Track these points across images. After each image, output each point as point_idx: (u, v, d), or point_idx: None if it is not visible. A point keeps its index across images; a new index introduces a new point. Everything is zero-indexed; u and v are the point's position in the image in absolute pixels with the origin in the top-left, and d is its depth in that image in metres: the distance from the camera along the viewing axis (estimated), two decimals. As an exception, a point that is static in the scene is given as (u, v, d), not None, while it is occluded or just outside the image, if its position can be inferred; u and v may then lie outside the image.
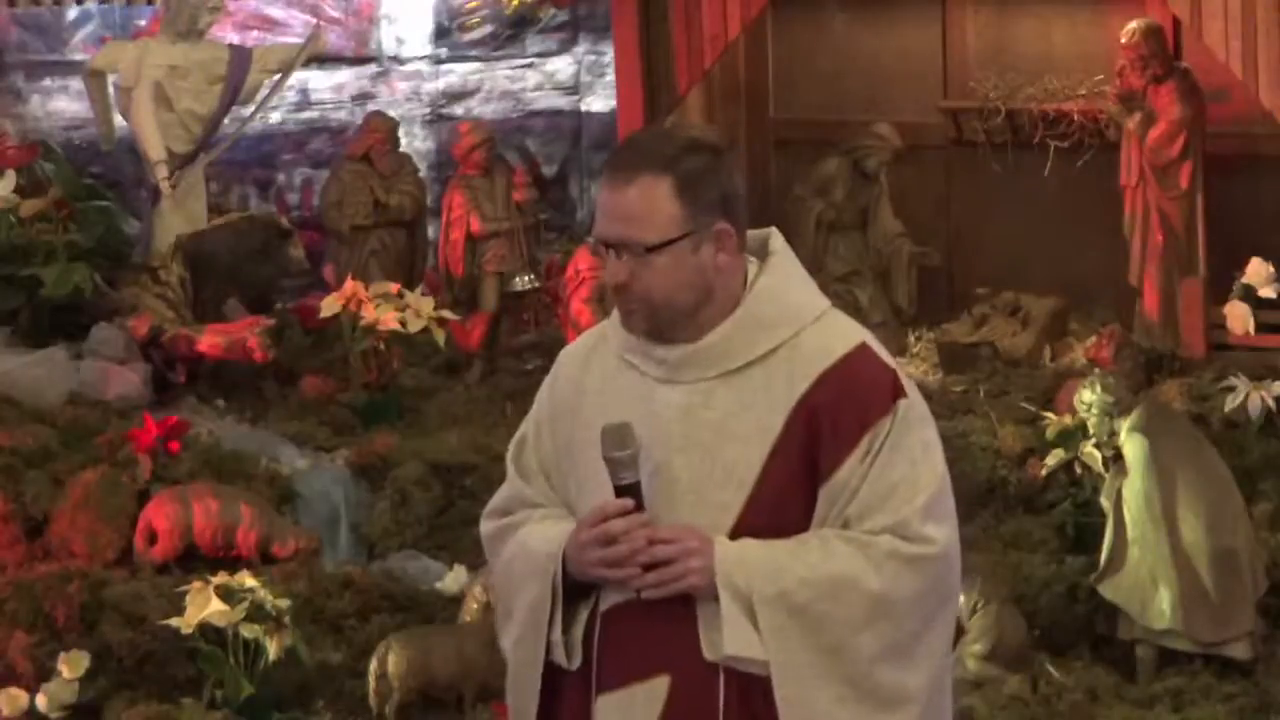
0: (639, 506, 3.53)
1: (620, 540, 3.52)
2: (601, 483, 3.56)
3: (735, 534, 3.54)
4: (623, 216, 3.53)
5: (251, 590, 6.32)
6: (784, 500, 3.57)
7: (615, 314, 3.67)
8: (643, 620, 3.55)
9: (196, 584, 6.35)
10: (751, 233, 3.66)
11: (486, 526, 3.74)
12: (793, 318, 3.62)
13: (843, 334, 3.64)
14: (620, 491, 3.53)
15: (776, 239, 3.69)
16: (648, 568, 3.52)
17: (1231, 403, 7.92)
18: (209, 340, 8.37)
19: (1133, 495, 6.67)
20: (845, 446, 3.55)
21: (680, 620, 3.55)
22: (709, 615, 3.54)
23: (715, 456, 3.56)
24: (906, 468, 3.57)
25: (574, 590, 3.59)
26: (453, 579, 7.09)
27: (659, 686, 3.55)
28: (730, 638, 3.52)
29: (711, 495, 3.55)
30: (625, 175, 3.54)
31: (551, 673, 3.62)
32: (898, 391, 3.59)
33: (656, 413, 3.58)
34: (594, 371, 3.67)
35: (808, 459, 3.56)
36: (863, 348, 3.62)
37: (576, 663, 3.59)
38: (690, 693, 3.55)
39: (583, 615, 3.59)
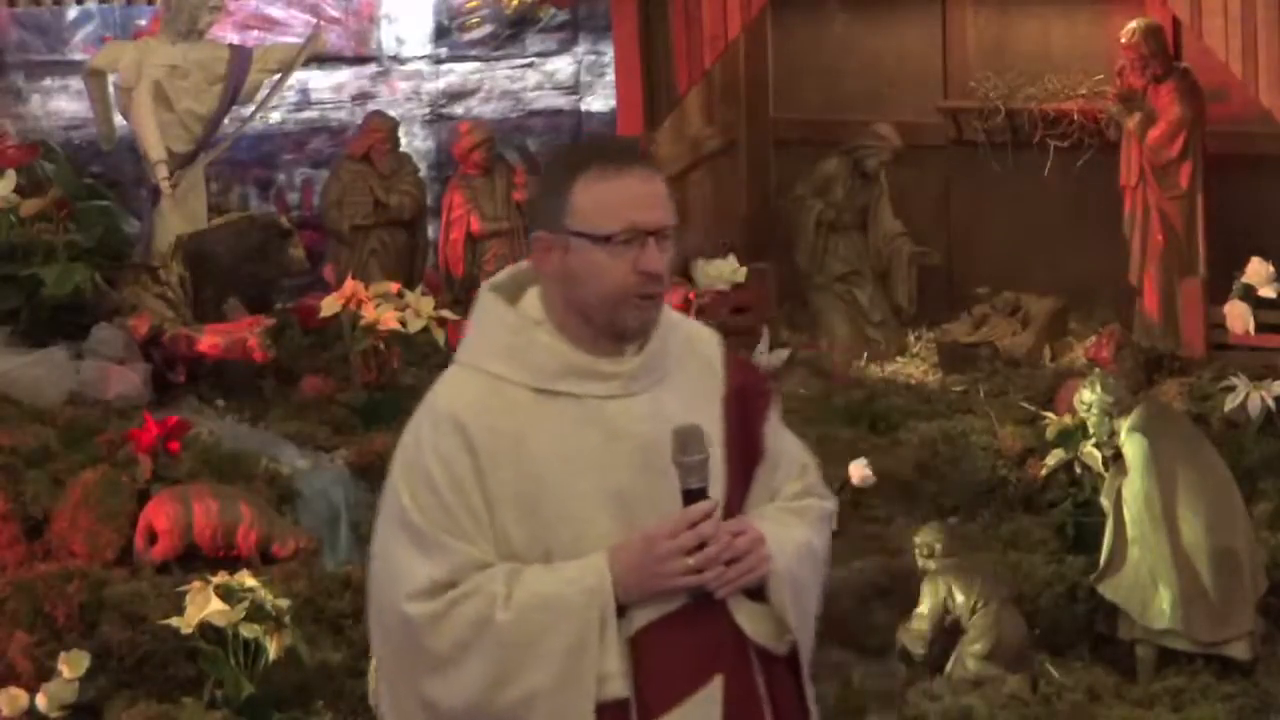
0: None
1: (709, 542, 3.50)
2: (587, 517, 3.50)
3: None
4: (664, 203, 3.55)
5: (251, 590, 6.31)
6: (740, 486, 3.66)
7: (501, 352, 3.56)
8: (683, 628, 3.53)
9: (196, 584, 6.34)
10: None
11: (426, 607, 3.46)
12: (672, 313, 3.70)
13: (703, 326, 3.82)
14: (690, 496, 3.51)
15: None
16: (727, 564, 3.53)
17: (1231, 403, 7.93)
18: (209, 340, 8.37)
19: (1133, 495, 6.67)
20: (762, 423, 3.70)
21: (720, 616, 3.57)
22: (742, 605, 3.59)
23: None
24: (792, 440, 3.80)
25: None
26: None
27: (715, 689, 3.56)
28: (786, 618, 3.62)
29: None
30: (645, 165, 3.55)
31: None
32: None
33: (622, 429, 3.54)
34: (510, 416, 3.53)
35: (744, 442, 3.66)
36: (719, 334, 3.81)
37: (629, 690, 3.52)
38: (740, 685, 3.59)
39: (619, 643, 3.52)
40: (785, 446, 3.77)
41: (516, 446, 3.51)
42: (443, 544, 3.48)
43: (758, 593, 3.61)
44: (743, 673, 3.60)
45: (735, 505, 3.64)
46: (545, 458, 3.51)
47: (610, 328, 3.56)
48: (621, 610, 3.50)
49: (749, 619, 3.61)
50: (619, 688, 3.50)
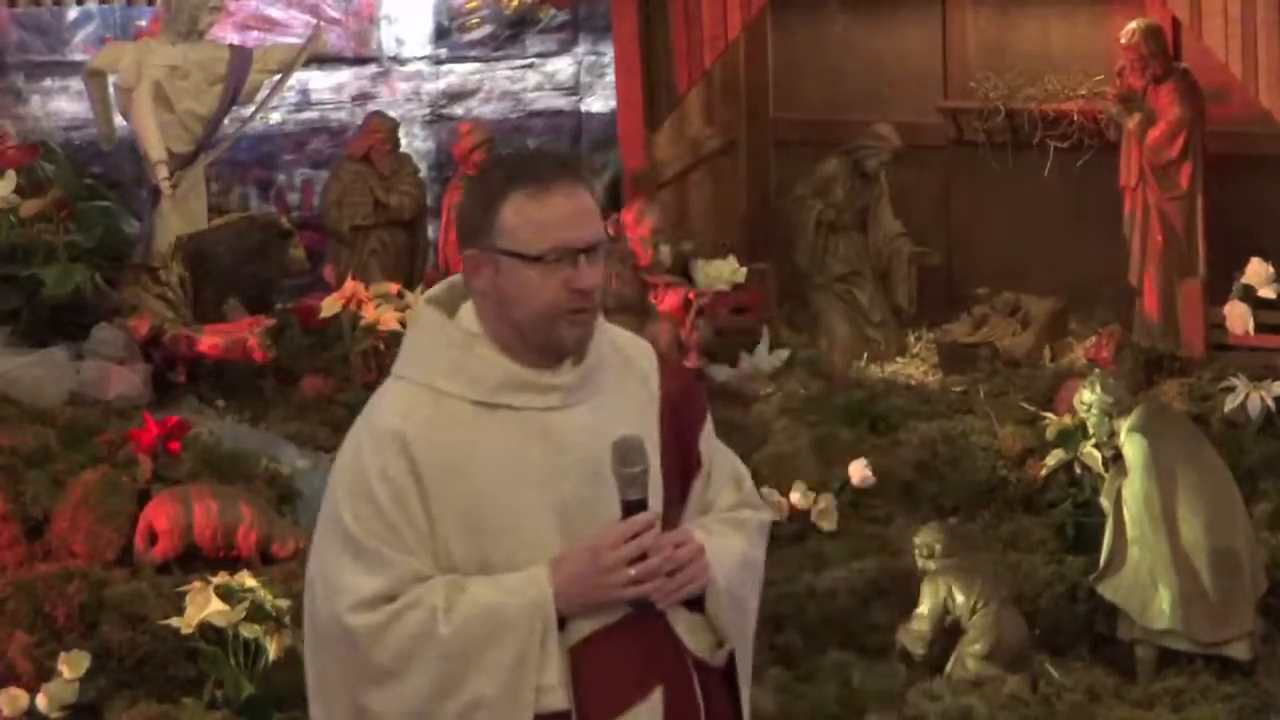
0: None
1: (650, 553, 3.50)
2: (529, 529, 3.50)
3: None
4: (593, 219, 3.54)
5: (251, 590, 6.31)
6: (676, 497, 3.69)
7: (441, 365, 3.56)
8: (623, 639, 3.54)
9: (196, 584, 6.34)
10: None
11: (369, 618, 3.47)
12: (603, 322, 3.69)
13: (633, 334, 3.82)
14: (630, 507, 3.51)
15: None
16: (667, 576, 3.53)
17: (1231, 403, 7.93)
18: (209, 340, 8.37)
19: (1132, 495, 6.67)
20: (698, 433, 3.73)
21: (659, 628, 3.59)
22: (681, 617, 3.61)
23: None
24: (726, 452, 3.82)
25: None
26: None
27: (656, 701, 3.57)
28: (725, 629, 3.64)
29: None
30: (573, 182, 3.53)
31: None
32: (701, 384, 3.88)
33: (567, 440, 3.55)
34: (450, 429, 3.54)
35: (679, 453, 3.68)
36: (656, 343, 3.86)
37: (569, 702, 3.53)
38: (680, 697, 3.60)
39: (560, 655, 3.52)
40: (719, 458, 3.79)
41: (459, 460, 3.52)
42: (384, 557, 3.48)
43: (696, 604, 3.62)
44: (682, 684, 3.61)
45: (673, 516, 3.66)
46: (488, 471, 3.52)
47: (546, 344, 3.56)
48: (562, 622, 3.51)
49: (687, 630, 3.63)
50: (559, 699, 3.51)
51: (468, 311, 3.62)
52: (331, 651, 3.54)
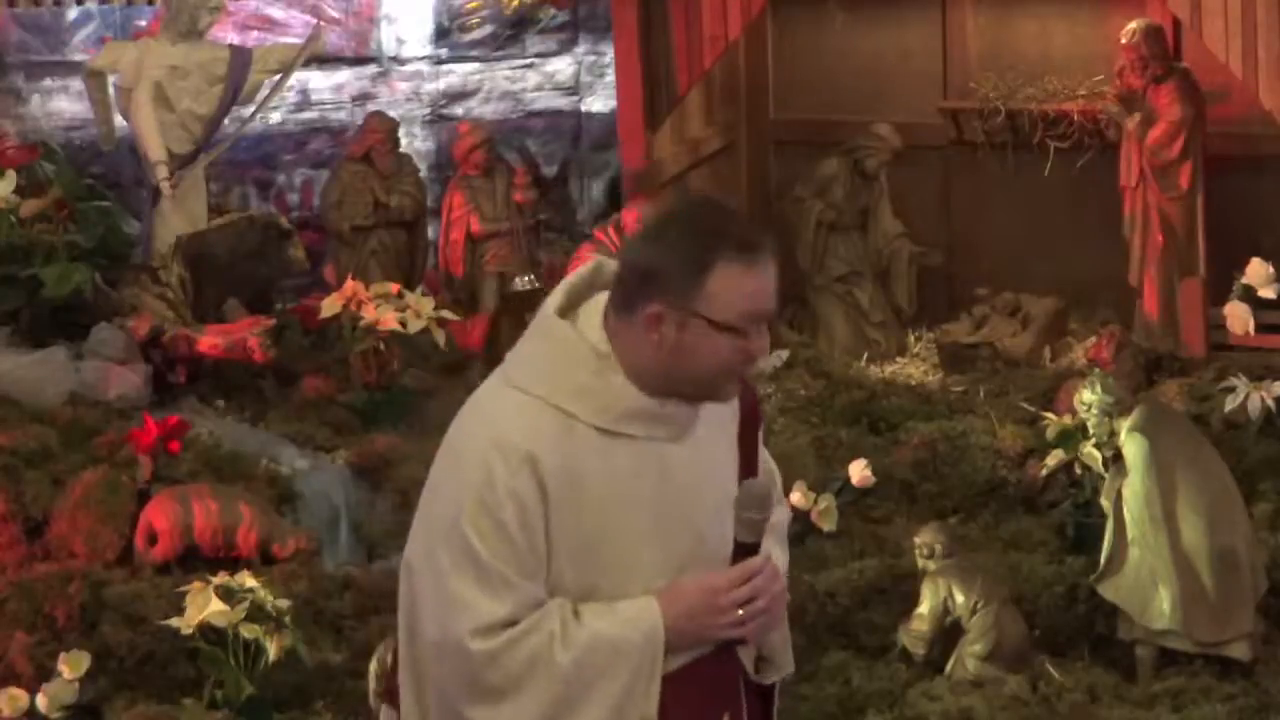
0: None
1: (759, 596, 3.57)
2: (638, 559, 3.53)
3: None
4: (776, 291, 3.55)
5: (251, 590, 6.31)
6: None
7: (572, 388, 3.54)
8: (702, 668, 3.60)
9: (196, 584, 6.34)
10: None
11: (487, 644, 3.48)
12: None
13: None
14: (742, 549, 3.57)
15: None
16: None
17: (1231, 403, 7.93)
18: (209, 340, 8.37)
19: (1133, 495, 6.66)
20: (757, 441, 3.77)
21: (732, 655, 3.66)
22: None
23: (722, 496, 3.61)
24: (765, 453, 3.86)
25: None
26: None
27: None
28: (784, 652, 3.77)
29: (727, 530, 3.60)
30: (773, 253, 3.54)
31: None
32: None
33: (676, 473, 3.57)
34: (577, 453, 3.52)
35: (746, 460, 3.73)
36: None
37: None
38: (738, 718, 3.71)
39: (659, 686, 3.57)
40: (770, 465, 3.85)
41: (582, 487, 3.52)
42: (508, 580, 3.49)
43: None
44: (741, 708, 3.71)
45: None
46: (605, 498, 3.53)
47: (702, 396, 3.58)
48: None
49: (746, 654, 3.71)
50: None
51: (590, 319, 3.59)
52: (446, 665, 3.55)
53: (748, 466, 3.72)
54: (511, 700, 3.50)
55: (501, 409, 3.56)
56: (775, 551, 3.74)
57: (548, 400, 3.53)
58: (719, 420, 3.67)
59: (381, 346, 8.37)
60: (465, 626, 3.48)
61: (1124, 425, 6.83)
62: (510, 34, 11.02)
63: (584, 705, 3.49)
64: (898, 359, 9.60)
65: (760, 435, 3.79)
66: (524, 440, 3.49)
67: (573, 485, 3.50)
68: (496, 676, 3.49)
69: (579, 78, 11.08)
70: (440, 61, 10.95)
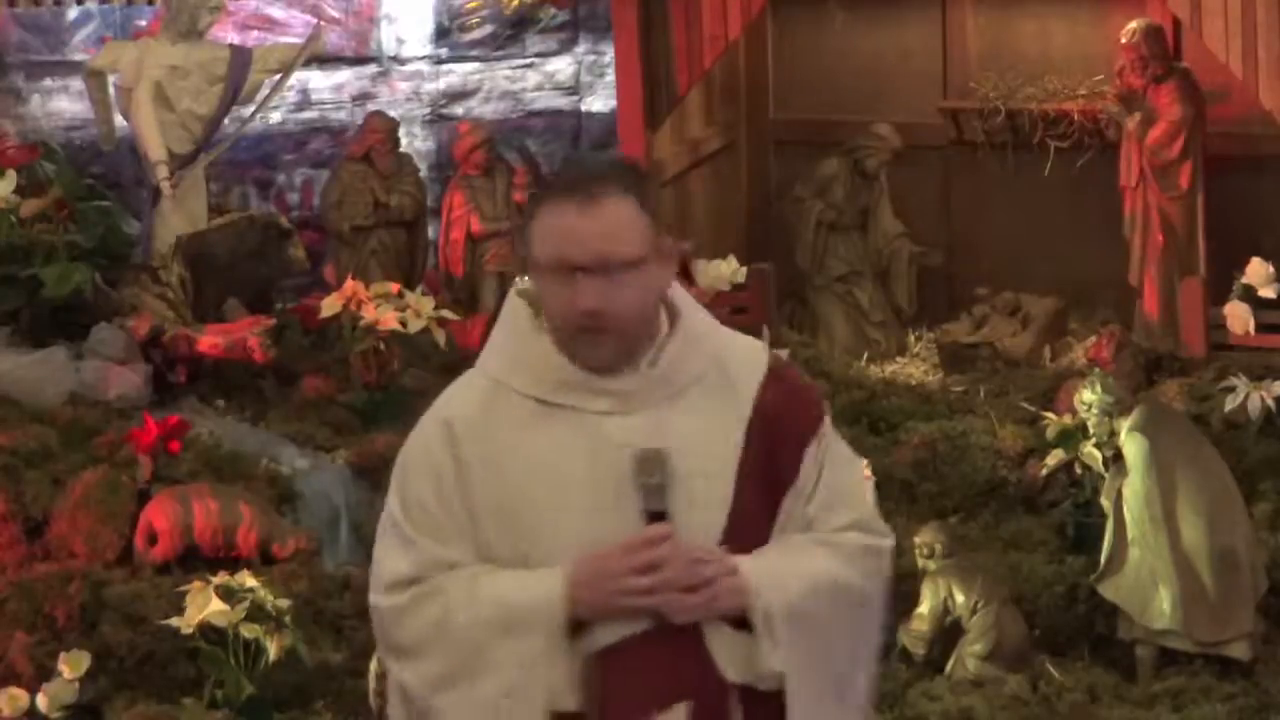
0: None
1: (663, 566, 3.46)
2: (567, 530, 3.49)
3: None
4: (597, 235, 3.47)
5: (251, 590, 6.32)
6: (758, 512, 3.58)
7: (509, 360, 3.57)
8: (651, 650, 3.50)
9: (196, 584, 6.35)
10: None
11: (392, 599, 3.54)
12: (712, 333, 3.65)
13: (753, 344, 3.72)
14: (652, 518, 3.49)
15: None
16: (686, 591, 3.48)
17: (1231, 403, 7.93)
18: (209, 340, 8.37)
19: (1133, 495, 6.67)
20: (799, 451, 3.60)
21: (692, 643, 3.52)
22: (719, 635, 3.53)
23: (686, 481, 3.52)
24: (850, 471, 3.71)
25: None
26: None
27: (678, 715, 3.52)
28: (767, 655, 3.52)
29: (694, 518, 3.52)
30: (595, 196, 3.47)
31: None
32: (822, 399, 3.74)
33: (613, 446, 3.51)
34: (502, 423, 3.54)
35: (770, 467, 3.59)
36: (777, 356, 3.71)
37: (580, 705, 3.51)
38: (708, 714, 3.54)
39: (577, 658, 3.50)
40: (833, 476, 3.64)
41: (500, 454, 3.52)
42: (417, 542, 3.54)
43: (746, 624, 3.55)
44: (714, 703, 3.54)
45: (746, 531, 3.56)
46: (532, 469, 3.51)
47: (578, 357, 3.54)
48: (582, 625, 3.50)
49: (725, 649, 3.54)
50: (569, 701, 3.50)
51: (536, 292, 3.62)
52: (375, 627, 3.65)
53: (770, 464, 3.59)
54: (421, 659, 3.54)
55: (452, 388, 3.64)
56: (819, 559, 3.56)
57: (494, 376, 3.59)
58: (709, 409, 3.58)
59: (381, 346, 8.36)
60: (380, 584, 3.58)
61: (1124, 425, 6.84)
62: (510, 34, 11.02)
63: (485, 669, 3.49)
64: (898, 359, 9.60)
65: (809, 440, 3.62)
66: (448, 411, 3.59)
67: (489, 453, 3.52)
68: (404, 636, 3.55)
69: (579, 77, 11.08)
70: (440, 61, 10.94)
